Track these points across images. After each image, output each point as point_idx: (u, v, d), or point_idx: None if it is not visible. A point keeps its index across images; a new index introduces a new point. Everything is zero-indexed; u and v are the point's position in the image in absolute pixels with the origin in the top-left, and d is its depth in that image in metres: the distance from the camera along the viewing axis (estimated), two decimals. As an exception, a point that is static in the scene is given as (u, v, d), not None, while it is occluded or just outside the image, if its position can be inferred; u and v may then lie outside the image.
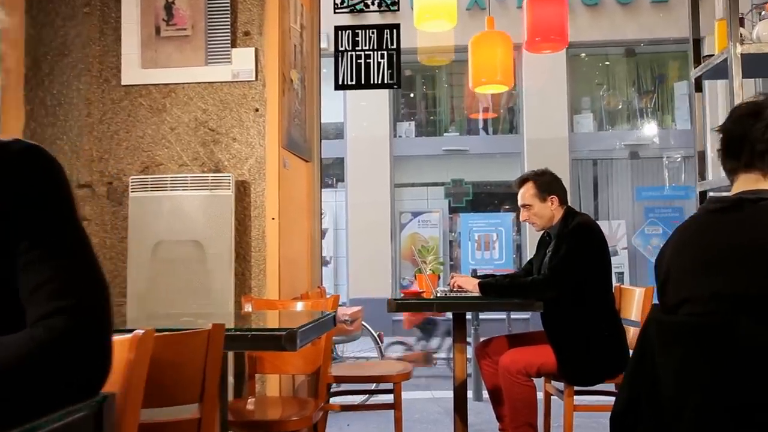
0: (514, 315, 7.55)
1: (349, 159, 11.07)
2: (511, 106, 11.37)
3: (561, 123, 10.75)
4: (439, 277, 3.54)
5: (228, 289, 2.95)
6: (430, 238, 10.90)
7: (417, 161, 11.28)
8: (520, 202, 3.01)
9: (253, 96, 3.09)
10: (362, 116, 11.00)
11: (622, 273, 10.59)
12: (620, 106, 11.36)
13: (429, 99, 12.03)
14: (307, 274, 3.49)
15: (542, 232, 3.13)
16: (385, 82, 3.61)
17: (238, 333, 1.66)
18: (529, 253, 10.32)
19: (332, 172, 11.79)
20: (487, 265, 10.43)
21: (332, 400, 3.35)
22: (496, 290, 2.82)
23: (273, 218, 3.00)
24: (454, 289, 3.03)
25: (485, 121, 11.39)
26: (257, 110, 3.08)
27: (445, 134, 11.45)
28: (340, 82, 3.66)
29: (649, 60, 11.40)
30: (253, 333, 1.69)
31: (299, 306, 2.63)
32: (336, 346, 5.42)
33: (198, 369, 1.43)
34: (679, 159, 11.08)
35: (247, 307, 2.67)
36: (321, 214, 3.60)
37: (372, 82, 3.61)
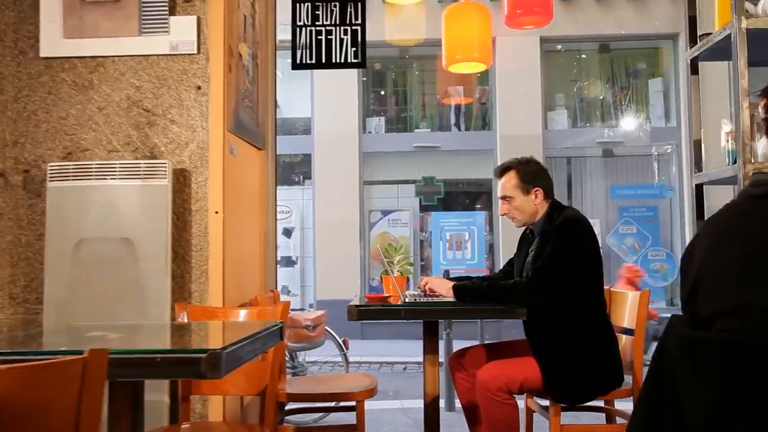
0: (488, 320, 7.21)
1: (317, 155, 10.67)
2: (484, 101, 11.07)
3: (534, 119, 10.52)
4: (408, 279, 3.17)
5: (164, 294, 2.54)
6: (400, 238, 10.56)
7: (387, 158, 10.93)
8: (500, 193, 2.64)
9: (194, 72, 2.68)
10: (330, 111, 10.62)
11: (596, 273, 10.36)
12: (601, 96, 11.14)
13: (399, 94, 11.68)
14: (259, 276, 3.09)
15: (524, 228, 2.77)
16: (349, 61, 3.23)
17: (140, 357, 1.26)
18: (503, 253, 10.03)
19: (299, 169, 11.37)
20: (459, 266, 10.17)
21: (289, 418, 2.96)
22: (473, 294, 2.45)
23: (216, 212, 2.60)
24: (426, 293, 2.66)
25: (457, 117, 11.07)
26: (199, 88, 2.67)
27: (416, 130, 11.10)
28: (298, 61, 3.26)
29: (624, 56, 11.22)
30: (163, 356, 1.29)
31: (243, 315, 2.23)
32: (297, 353, 5.02)
33: (69, 409, 1.03)
34: (660, 155, 10.93)
35: (182, 317, 2.27)
36: (276, 208, 3.20)
37: (334, 60, 3.22)
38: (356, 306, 2.35)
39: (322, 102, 10.62)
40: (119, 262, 2.55)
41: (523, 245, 2.76)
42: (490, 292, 2.45)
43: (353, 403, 2.59)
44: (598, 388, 2.44)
